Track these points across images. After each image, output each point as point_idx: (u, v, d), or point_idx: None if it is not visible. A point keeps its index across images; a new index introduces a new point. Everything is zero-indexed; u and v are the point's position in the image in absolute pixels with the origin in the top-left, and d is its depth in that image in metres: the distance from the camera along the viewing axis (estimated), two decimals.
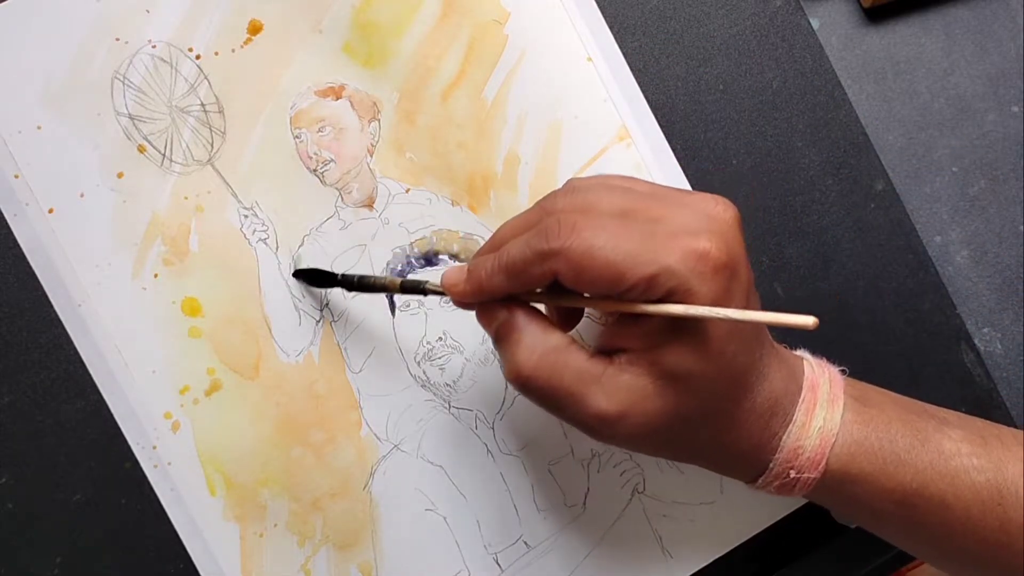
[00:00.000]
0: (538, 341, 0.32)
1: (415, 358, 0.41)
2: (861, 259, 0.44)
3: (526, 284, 0.32)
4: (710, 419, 0.33)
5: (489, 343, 0.41)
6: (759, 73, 0.44)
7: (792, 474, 0.33)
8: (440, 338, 0.41)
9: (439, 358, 0.41)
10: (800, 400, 0.34)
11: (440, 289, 0.35)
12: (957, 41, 0.49)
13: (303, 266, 0.40)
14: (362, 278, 0.38)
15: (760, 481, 0.34)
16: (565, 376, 0.32)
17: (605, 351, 0.33)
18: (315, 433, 0.40)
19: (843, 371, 0.36)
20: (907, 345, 0.44)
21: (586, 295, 0.33)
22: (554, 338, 0.33)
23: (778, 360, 0.34)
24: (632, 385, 0.31)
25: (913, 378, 0.44)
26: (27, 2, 0.39)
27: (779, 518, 0.42)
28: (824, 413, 0.33)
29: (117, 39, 0.40)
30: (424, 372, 0.41)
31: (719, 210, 0.32)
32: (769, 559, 0.43)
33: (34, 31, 0.39)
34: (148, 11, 0.40)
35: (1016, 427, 0.44)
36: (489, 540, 0.41)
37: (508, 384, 0.42)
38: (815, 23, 0.48)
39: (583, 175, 0.42)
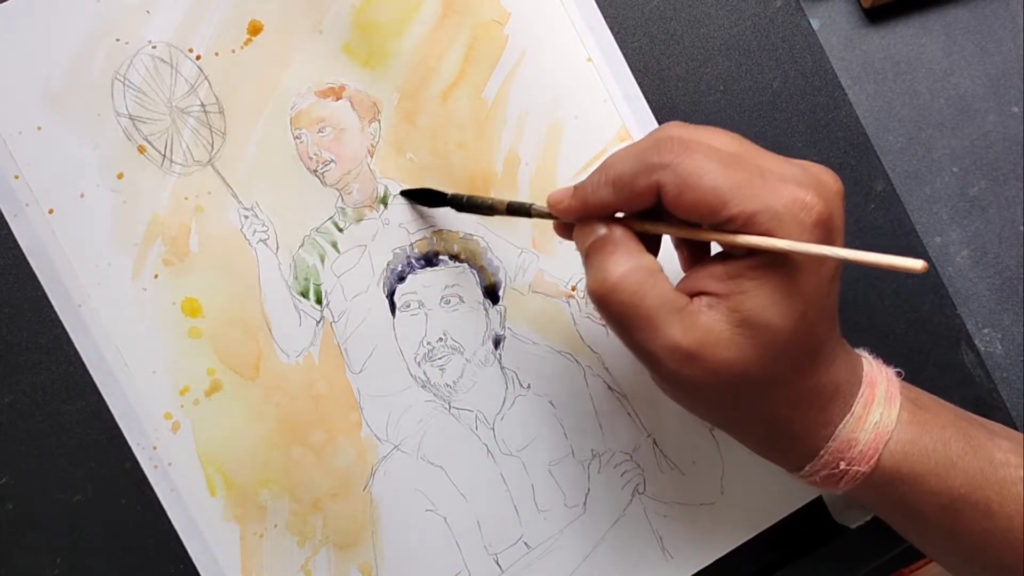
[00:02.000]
0: (631, 257, 0.32)
1: (415, 358, 0.41)
2: None
3: (631, 199, 0.32)
4: (775, 386, 0.32)
5: (489, 344, 0.42)
6: (759, 73, 0.44)
7: (842, 465, 0.33)
8: (440, 338, 0.41)
9: (439, 359, 0.41)
10: (860, 393, 0.34)
11: (546, 211, 0.35)
12: (957, 41, 0.49)
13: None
14: (470, 198, 0.38)
15: (807, 468, 0.34)
16: (648, 297, 0.31)
17: (686, 292, 0.32)
18: (315, 433, 0.40)
19: (899, 373, 0.36)
20: (907, 345, 0.44)
21: (680, 224, 0.32)
22: (647, 259, 0.32)
23: (844, 348, 0.34)
24: (709, 327, 0.31)
25: (913, 378, 0.44)
26: (27, 2, 0.39)
27: (779, 519, 0.42)
28: (881, 409, 0.33)
29: (117, 39, 0.40)
30: (424, 372, 0.41)
31: (828, 177, 0.32)
32: (769, 559, 0.43)
33: (34, 31, 0.39)
34: (148, 11, 0.40)
35: (1016, 427, 0.44)
36: (489, 540, 0.41)
37: (509, 383, 0.42)
38: (815, 23, 0.48)
39: (583, 175, 0.42)
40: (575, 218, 0.34)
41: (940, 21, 0.49)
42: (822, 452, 0.33)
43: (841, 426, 0.33)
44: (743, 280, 0.31)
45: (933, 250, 0.47)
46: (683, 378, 0.32)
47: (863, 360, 0.35)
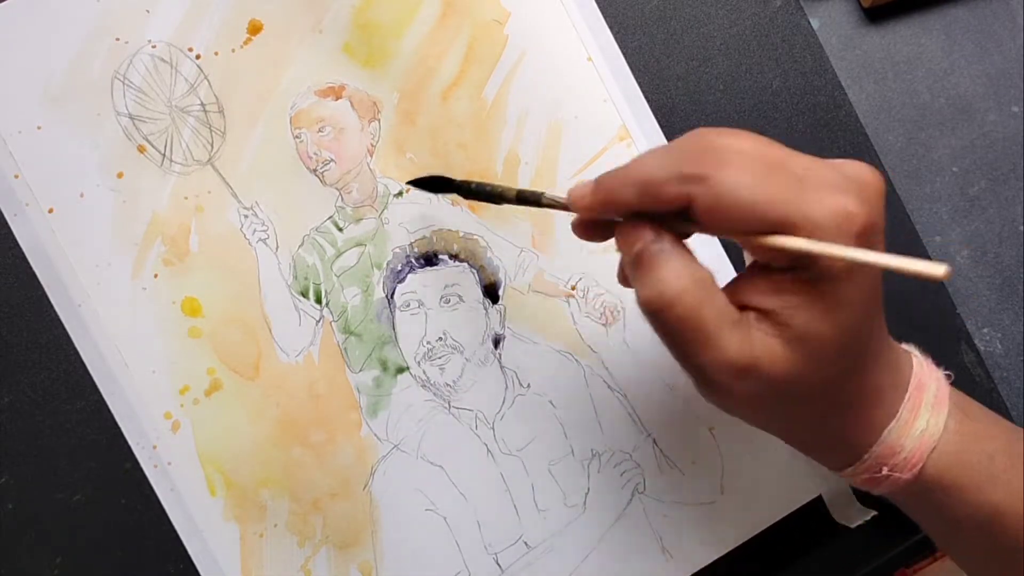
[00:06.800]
0: (687, 269, 0.30)
1: (415, 358, 0.41)
2: None
3: (656, 203, 0.30)
4: (824, 392, 0.31)
5: (489, 343, 0.41)
6: (759, 73, 0.44)
7: (884, 471, 0.33)
8: (440, 338, 0.41)
9: (439, 358, 0.41)
10: (906, 397, 0.33)
11: (558, 201, 0.33)
12: (957, 41, 0.49)
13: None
14: (479, 185, 0.37)
15: (849, 470, 0.34)
16: (707, 310, 0.30)
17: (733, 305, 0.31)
18: (315, 433, 0.40)
19: (948, 375, 0.35)
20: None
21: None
22: (702, 271, 0.30)
23: (888, 347, 0.33)
24: (762, 342, 0.30)
25: None
26: (27, 2, 0.39)
27: (779, 518, 0.42)
28: (928, 416, 0.33)
29: (117, 39, 0.40)
30: (424, 372, 0.41)
31: (868, 176, 0.30)
32: (769, 559, 0.43)
33: (34, 31, 0.39)
34: (148, 11, 0.40)
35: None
36: (489, 540, 0.41)
37: (509, 383, 0.42)
38: (815, 23, 0.48)
39: (583, 175, 0.42)
40: (593, 216, 0.32)
41: (940, 21, 0.49)
42: (866, 456, 0.33)
43: (887, 431, 0.32)
44: (789, 295, 0.30)
45: (933, 250, 0.47)
46: (734, 391, 0.31)
47: (912, 358, 0.34)
